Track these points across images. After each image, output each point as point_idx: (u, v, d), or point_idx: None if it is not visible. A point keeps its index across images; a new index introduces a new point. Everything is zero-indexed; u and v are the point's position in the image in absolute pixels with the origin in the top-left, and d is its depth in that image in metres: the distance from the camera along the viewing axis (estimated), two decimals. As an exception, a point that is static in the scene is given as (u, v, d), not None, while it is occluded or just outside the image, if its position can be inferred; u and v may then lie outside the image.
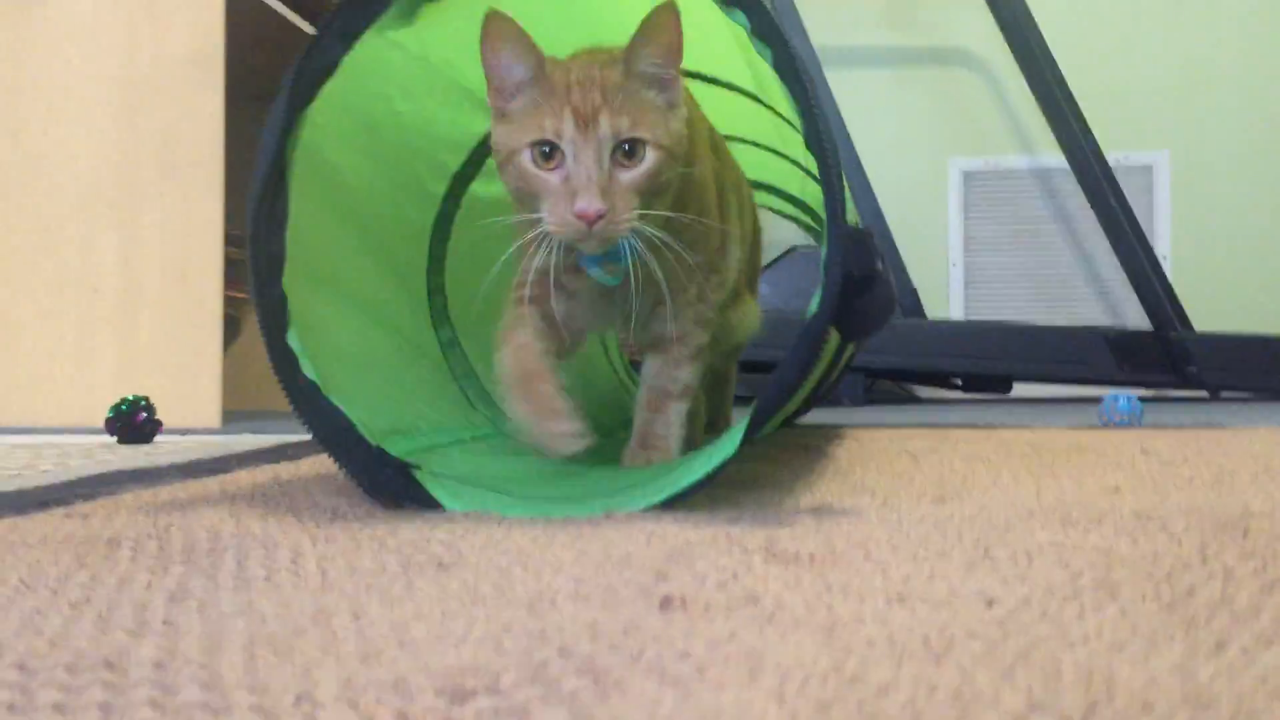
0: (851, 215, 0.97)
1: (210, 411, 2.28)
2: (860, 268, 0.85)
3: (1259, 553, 0.66)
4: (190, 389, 2.29)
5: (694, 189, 1.05)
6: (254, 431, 2.00)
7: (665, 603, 0.49)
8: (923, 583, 0.58)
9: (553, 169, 0.92)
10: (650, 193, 0.94)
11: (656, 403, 1.08)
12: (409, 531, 0.74)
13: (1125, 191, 3.54)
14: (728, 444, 0.85)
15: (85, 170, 2.35)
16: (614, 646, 0.41)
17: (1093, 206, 3.49)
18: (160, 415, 1.89)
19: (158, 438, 1.88)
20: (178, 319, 2.32)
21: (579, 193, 0.90)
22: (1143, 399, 3.12)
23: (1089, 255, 4.12)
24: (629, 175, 0.92)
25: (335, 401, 0.86)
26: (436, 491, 0.85)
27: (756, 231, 1.43)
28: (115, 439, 1.84)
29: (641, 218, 0.93)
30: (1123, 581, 0.57)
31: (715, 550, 0.63)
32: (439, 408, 1.12)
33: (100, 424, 1.89)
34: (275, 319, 0.85)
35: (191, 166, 2.32)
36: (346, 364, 0.96)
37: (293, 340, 0.85)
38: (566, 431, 0.87)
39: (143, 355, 2.32)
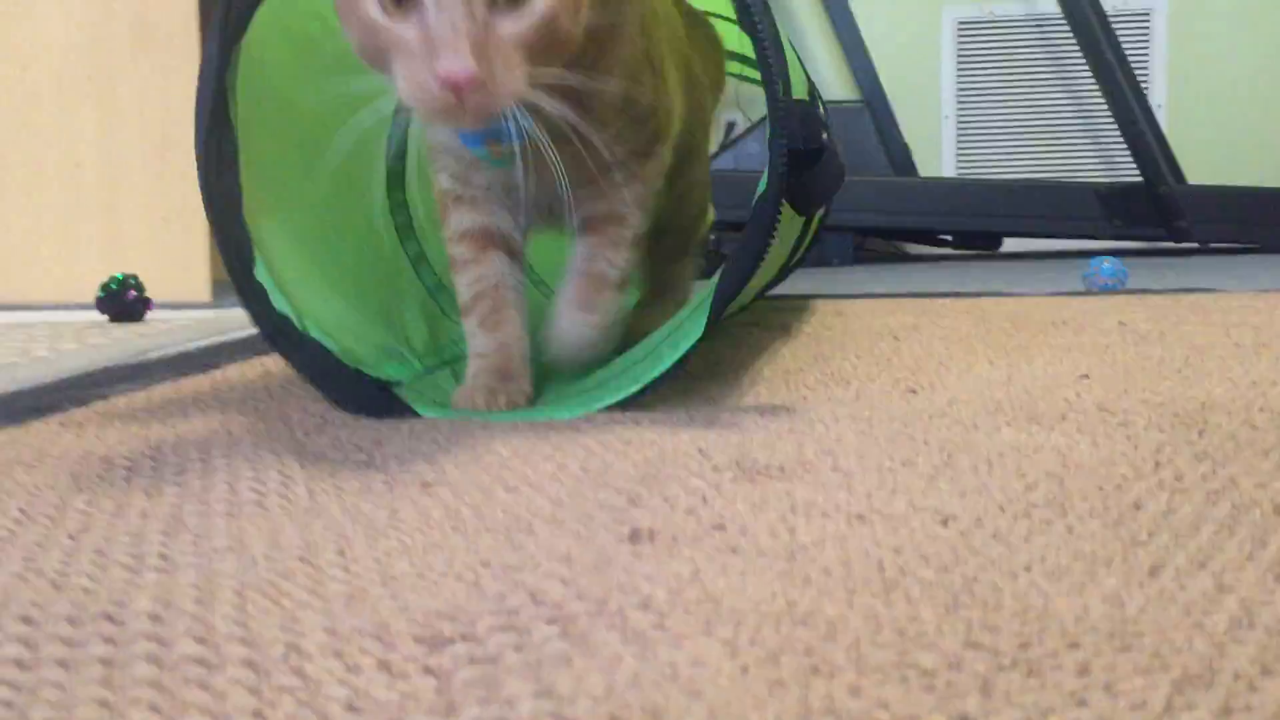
0: (799, 89, 0.96)
1: (200, 284, 2.30)
2: (806, 142, 0.85)
3: (1211, 454, 0.69)
4: (179, 262, 2.30)
5: (617, 43, 0.85)
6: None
7: (634, 535, 0.52)
8: (884, 497, 0.61)
9: (406, 18, 0.71)
10: (543, 49, 0.73)
11: (590, 294, 0.92)
12: (394, 444, 0.77)
13: (1121, 38, 3.48)
14: (692, 328, 0.86)
15: (59, 43, 2.31)
16: (581, 594, 0.44)
17: (1085, 54, 3.43)
18: (150, 289, 1.91)
19: (148, 315, 1.90)
20: (162, 192, 2.31)
21: (442, 51, 0.68)
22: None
23: (1084, 106, 4.07)
24: (512, 26, 0.71)
25: (312, 331, 0.87)
26: (419, 405, 0.87)
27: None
28: (106, 318, 1.87)
29: (533, 85, 0.73)
30: (1074, 494, 0.60)
31: (686, 468, 0.66)
32: (423, 324, 1.13)
33: (89, 300, 1.91)
34: (239, 256, 0.86)
35: (166, 38, 2.28)
36: (321, 291, 0.96)
37: (261, 275, 0.86)
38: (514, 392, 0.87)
39: (129, 230, 2.33)
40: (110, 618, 0.43)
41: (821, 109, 1.22)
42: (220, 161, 0.85)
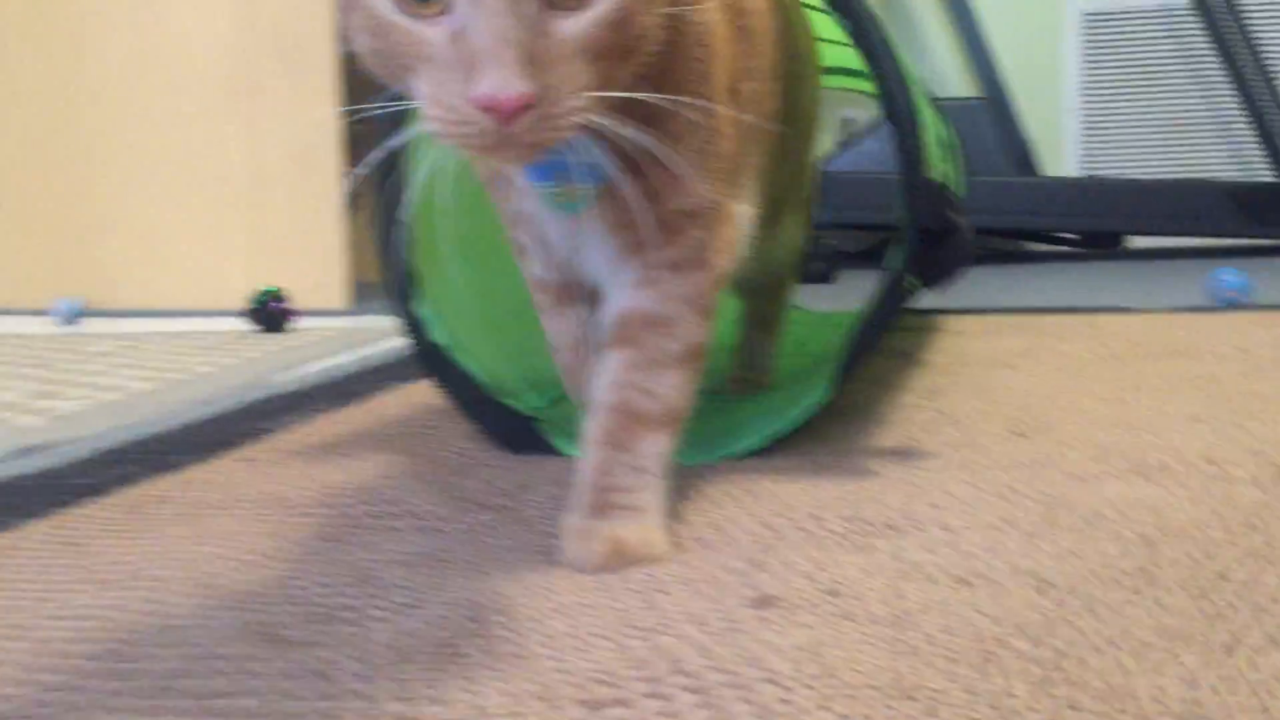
0: (937, 165, 1.01)
1: (338, 292, 2.44)
2: (937, 221, 0.91)
3: (1306, 516, 0.73)
4: (318, 271, 2.45)
5: (688, 46, 0.67)
6: (382, 311, 2.16)
7: (759, 601, 0.59)
8: (987, 560, 0.66)
9: (434, 17, 0.54)
10: (613, 55, 0.57)
11: (620, 432, 0.70)
12: (538, 490, 0.85)
13: (1256, 28, 3.40)
14: (818, 387, 0.93)
15: (204, 61, 2.48)
16: (717, 664, 0.51)
17: (1216, 45, 3.36)
18: (292, 295, 2.07)
19: (292, 324, 2.06)
20: (302, 202, 2.47)
21: (483, 63, 0.52)
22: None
23: (1216, 100, 3.97)
24: (573, 26, 0.55)
25: (464, 361, 0.96)
26: (559, 442, 0.95)
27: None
28: (251, 327, 2.04)
29: (600, 104, 0.57)
30: (1164, 563, 0.65)
31: (803, 530, 0.72)
32: None
33: (233, 306, 2.09)
34: (403, 288, 0.95)
35: (304, 50, 2.43)
36: (473, 321, 1.05)
37: (423, 308, 0.95)
38: None
39: (271, 239, 2.49)
40: (323, 675, 0.52)
41: (955, 167, 1.23)
42: (391, 198, 0.94)
